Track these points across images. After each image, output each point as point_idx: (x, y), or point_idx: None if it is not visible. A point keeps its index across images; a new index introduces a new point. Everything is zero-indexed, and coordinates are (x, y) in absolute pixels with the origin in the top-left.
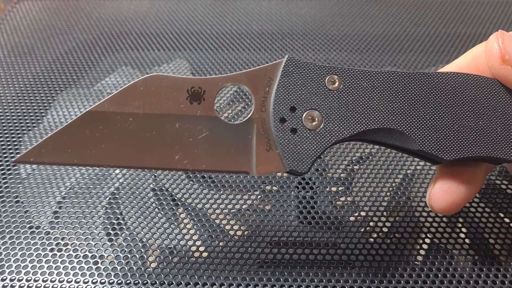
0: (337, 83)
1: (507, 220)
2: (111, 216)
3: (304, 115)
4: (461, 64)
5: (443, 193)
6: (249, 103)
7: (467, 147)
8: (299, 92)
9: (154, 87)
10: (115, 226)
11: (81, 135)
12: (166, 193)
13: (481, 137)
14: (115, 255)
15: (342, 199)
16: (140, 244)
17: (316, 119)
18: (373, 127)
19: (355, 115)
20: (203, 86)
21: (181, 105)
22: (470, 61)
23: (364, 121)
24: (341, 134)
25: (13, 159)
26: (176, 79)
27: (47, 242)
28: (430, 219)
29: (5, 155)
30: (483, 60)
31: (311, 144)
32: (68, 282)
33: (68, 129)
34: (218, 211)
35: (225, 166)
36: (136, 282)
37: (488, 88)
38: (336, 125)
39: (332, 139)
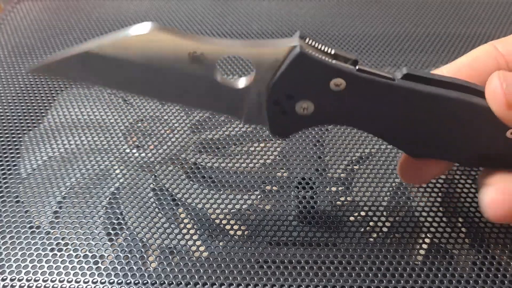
0: (341, 86)
1: None
2: (111, 216)
3: (298, 103)
4: (461, 63)
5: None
6: (250, 72)
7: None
8: (301, 85)
9: (155, 44)
10: (115, 226)
11: (81, 68)
12: (166, 193)
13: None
14: (115, 255)
15: (342, 199)
16: (140, 244)
17: (309, 108)
18: (359, 129)
19: (346, 114)
20: (206, 51)
21: (182, 63)
22: (471, 62)
23: (353, 122)
24: (326, 123)
25: (29, 69)
26: (178, 41)
27: (47, 242)
28: (430, 219)
29: (5, 155)
30: (484, 60)
31: (297, 124)
32: (68, 282)
33: (68, 59)
34: (218, 211)
35: (218, 110)
36: (136, 282)
37: (481, 117)
38: (325, 116)
39: (317, 124)
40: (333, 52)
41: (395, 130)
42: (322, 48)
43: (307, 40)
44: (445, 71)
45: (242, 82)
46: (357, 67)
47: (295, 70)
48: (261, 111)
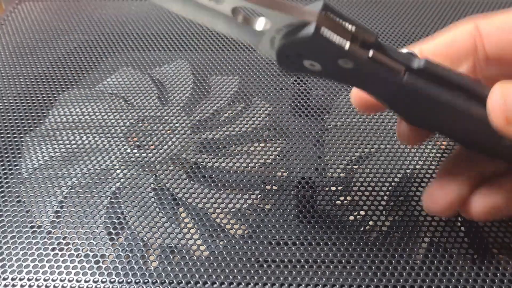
0: (349, 65)
1: (506, 219)
2: (112, 215)
3: (306, 61)
4: (438, 43)
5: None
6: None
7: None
8: (311, 53)
9: None
10: (116, 225)
11: None
12: (166, 192)
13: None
14: (116, 254)
15: (342, 198)
16: (141, 243)
17: (316, 66)
18: (364, 91)
19: (351, 81)
20: None
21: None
22: (449, 42)
23: (357, 87)
24: (332, 80)
25: None
26: None
27: (49, 241)
28: (429, 219)
29: (6, 155)
30: (461, 41)
31: (304, 73)
32: (69, 281)
33: None
34: (218, 211)
35: (237, 38)
36: (137, 281)
37: (482, 125)
38: (331, 77)
39: (324, 78)
40: (353, 29)
41: (397, 105)
42: (342, 24)
43: (328, 13)
44: (418, 48)
45: (260, 25)
46: (370, 54)
47: (309, 43)
48: (274, 50)
